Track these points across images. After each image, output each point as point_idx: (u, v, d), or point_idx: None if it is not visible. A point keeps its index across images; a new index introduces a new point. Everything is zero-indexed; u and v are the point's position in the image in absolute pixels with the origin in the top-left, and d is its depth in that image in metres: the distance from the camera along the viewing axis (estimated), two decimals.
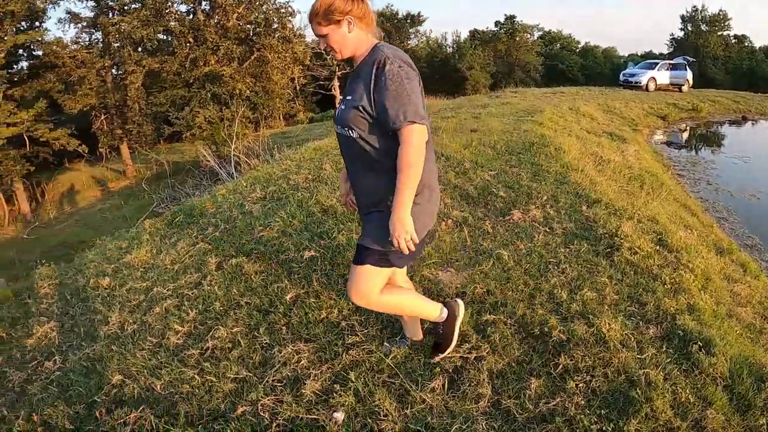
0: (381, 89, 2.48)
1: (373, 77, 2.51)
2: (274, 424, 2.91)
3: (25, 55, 38.80)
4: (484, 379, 3.12)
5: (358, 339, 3.51)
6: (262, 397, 3.08)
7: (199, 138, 31.67)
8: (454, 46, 58.75)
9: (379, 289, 2.85)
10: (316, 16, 2.60)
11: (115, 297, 4.99)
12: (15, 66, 38.05)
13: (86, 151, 36.30)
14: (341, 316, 3.76)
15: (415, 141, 2.49)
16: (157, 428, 3.08)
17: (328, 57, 37.87)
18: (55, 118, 36.75)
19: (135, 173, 38.07)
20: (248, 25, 38.11)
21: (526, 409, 2.93)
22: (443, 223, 5.27)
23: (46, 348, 4.48)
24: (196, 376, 3.38)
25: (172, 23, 36.11)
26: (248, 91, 35.11)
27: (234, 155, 16.10)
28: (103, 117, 39.02)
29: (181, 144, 40.60)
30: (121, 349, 4.00)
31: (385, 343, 3.32)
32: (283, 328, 3.72)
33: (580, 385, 3.08)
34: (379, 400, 2.96)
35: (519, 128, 10.71)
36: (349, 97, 2.63)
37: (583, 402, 2.96)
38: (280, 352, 3.45)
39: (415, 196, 2.57)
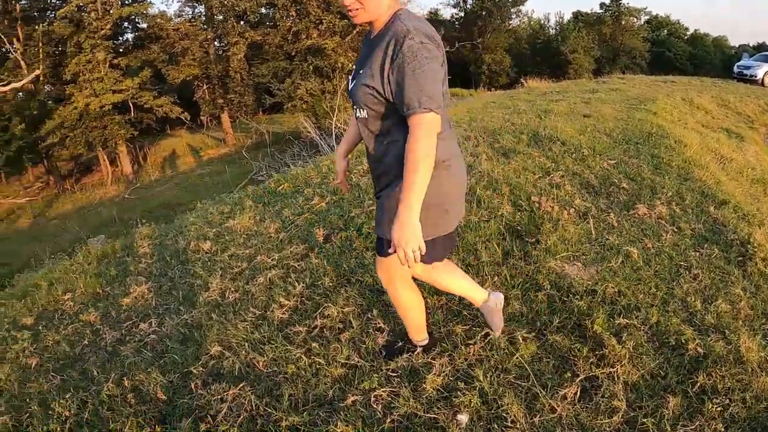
0: (397, 68, 2.14)
1: (389, 54, 2.17)
2: (389, 419, 2.68)
3: (130, 27, 41.02)
4: (618, 391, 2.78)
5: (480, 331, 3.20)
6: (376, 387, 2.84)
7: (299, 110, 32.08)
8: (557, 27, 57.08)
9: (402, 278, 2.70)
10: None
11: (216, 262, 4.90)
12: (121, 37, 40.37)
13: (188, 119, 37.92)
14: (462, 304, 3.43)
15: (426, 132, 2.11)
16: (256, 409, 2.91)
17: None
18: (159, 87, 38.69)
19: (235, 141, 39.38)
20: None
21: (664, 430, 2.59)
22: (565, 211, 4.90)
23: (142, 309, 4.45)
24: (302, 356, 3.17)
25: None
26: (350, 65, 35.27)
27: (335, 128, 15.98)
28: (205, 87, 40.64)
29: (280, 115, 41.34)
30: (222, 318, 3.88)
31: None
32: None
33: (719, 408, 2.70)
34: (507, 404, 2.67)
35: (633, 116, 10.08)
36: (360, 71, 2.34)
37: (722, 428, 2.58)
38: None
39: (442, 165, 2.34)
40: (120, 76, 34.90)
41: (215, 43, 40.87)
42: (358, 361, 3.04)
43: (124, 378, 3.53)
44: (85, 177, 41.58)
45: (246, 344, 3.44)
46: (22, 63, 35.25)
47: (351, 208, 5.13)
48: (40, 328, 4.87)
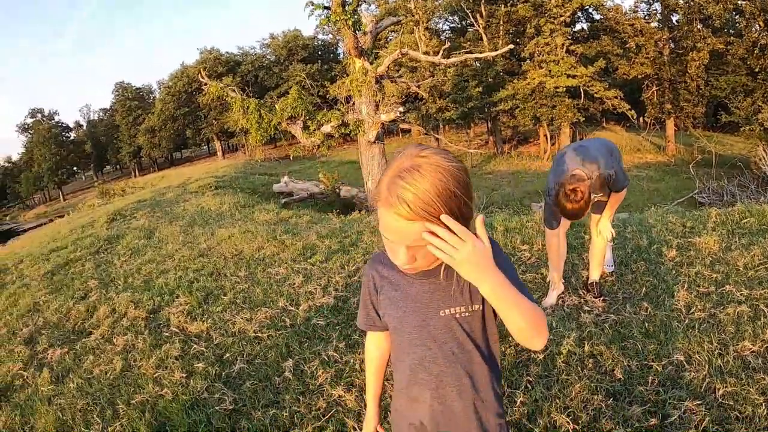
0: None
1: None
2: None
3: (583, 17, 42.78)
4: None
5: None
6: None
7: (756, 135, 28.72)
8: None
9: None
10: None
11: (681, 274, 4.99)
12: (576, 25, 42.13)
13: (634, 117, 37.34)
14: None
15: None
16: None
17: None
18: (605, 79, 39.08)
19: (674, 152, 37.11)
20: None
21: None
22: None
23: (613, 289, 4.96)
24: (763, 404, 3.05)
25: (742, 1, 33.20)
26: None
27: None
28: (654, 88, 39.15)
29: (732, 136, 37.13)
30: (687, 332, 3.94)
31: None
32: None
33: None
34: None
35: None
36: None
37: None
38: None
39: None
40: (575, 62, 37.05)
41: (670, 44, 38.53)
42: None
43: (584, 341, 3.97)
44: (522, 146, 45.67)
45: (706, 366, 3.48)
46: (484, 36, 41.39)
47: None
48: None
